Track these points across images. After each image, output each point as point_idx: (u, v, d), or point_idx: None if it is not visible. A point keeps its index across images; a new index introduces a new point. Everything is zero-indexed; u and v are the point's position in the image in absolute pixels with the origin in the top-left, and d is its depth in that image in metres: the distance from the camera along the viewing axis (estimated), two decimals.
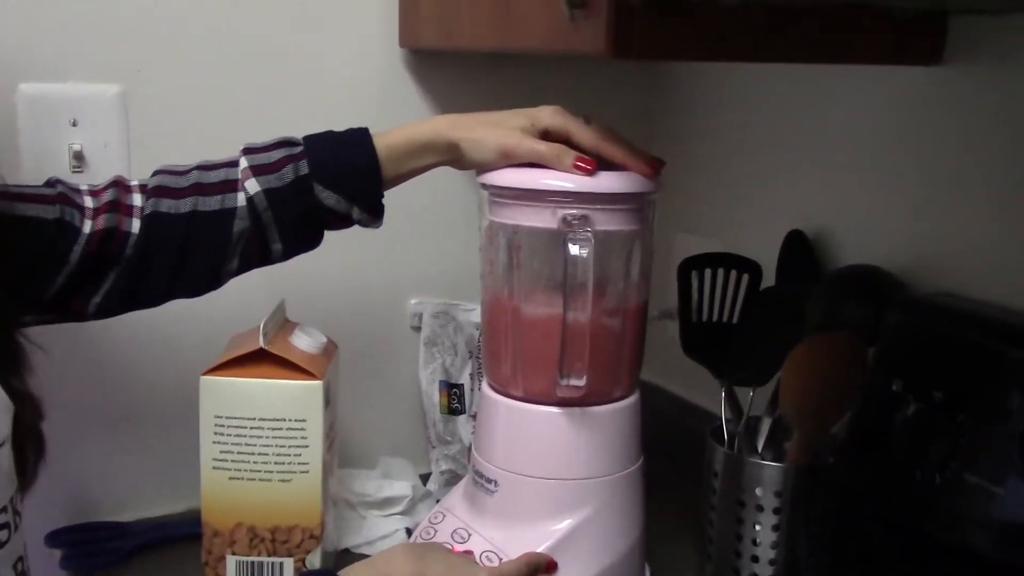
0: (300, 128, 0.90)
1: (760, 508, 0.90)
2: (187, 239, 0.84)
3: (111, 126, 1.03)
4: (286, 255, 0.89)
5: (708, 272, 1.02)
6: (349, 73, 1.14)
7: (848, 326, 0.91)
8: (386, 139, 0.87)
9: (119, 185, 0.85)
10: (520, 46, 0.90)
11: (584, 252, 0.78)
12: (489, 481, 0.86)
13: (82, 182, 0.86)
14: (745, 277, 1.02)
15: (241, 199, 0.85)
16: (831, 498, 0.89)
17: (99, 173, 1.00)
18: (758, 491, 0.90)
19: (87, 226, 0.82)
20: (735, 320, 1.02)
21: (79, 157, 1.02)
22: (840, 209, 1.04)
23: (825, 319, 0.93)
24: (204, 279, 0.87)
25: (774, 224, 1.06)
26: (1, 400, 0.72)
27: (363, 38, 1.13)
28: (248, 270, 0.89)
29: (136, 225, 0.84)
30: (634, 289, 0.86)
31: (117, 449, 1.09)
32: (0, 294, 0.76)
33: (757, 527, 0.91)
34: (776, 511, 0.90)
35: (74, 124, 1.02)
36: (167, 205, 0.84)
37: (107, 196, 0.84)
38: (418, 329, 1.21)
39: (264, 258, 0.89)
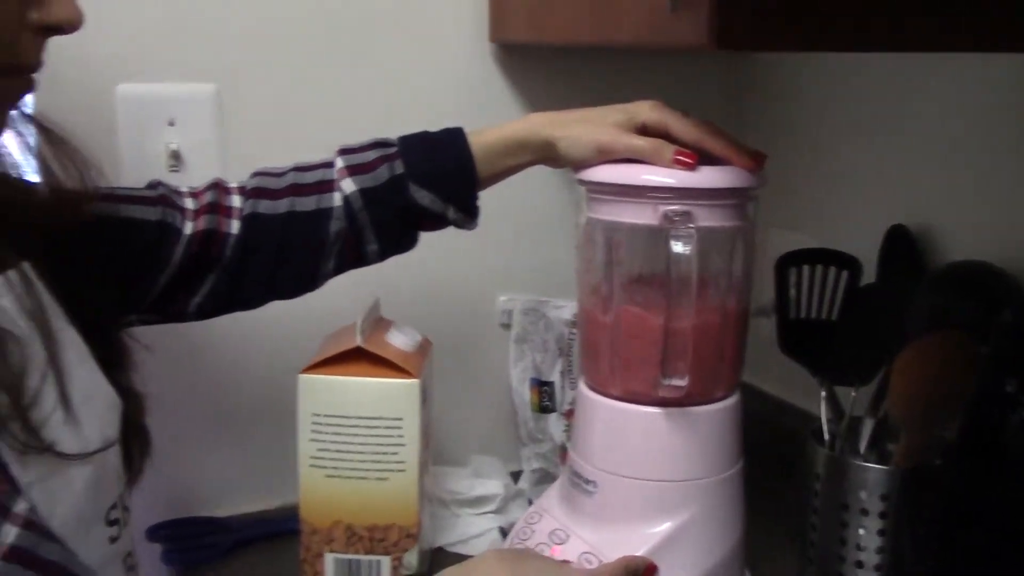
0: (390, 125, 0.90)
1: (865, 512, 0.88)
2: (285, 240, 0.85)
3: (207, 125, 1.04)
4: (381, 256, 0.89)
5: (806, 268, 0.99)
6: (439, 70, 1.13)
7: (956, 325, 0.87)
8: (481, 138, 0.87)
9: (218, 187, 0.86)
10: (616, 39, 0.88)
11: (687, 249, 0.76)
12: (587, 482, 0.85)
13: (182, 183, 0.88)
14: (844, 274, 0.99)
15: (337, 199, 0.85)
16: (939, 502, 0.87)
17: (195, 172, 1.02)
18: (862, 494, 0.87)
19: (188, 227, 0.83)
20: (834, 318, 0.99)
21: (176, 156, 1.03)
22: (945, 203, 1.00)
23: (931, 318, 0.90)
24: (301, 280, 0.88)
25: (874, 219, 1.03)
26: (110, 398, 0.73)
27: (453, 33, 1.13)
28: (343, 271, 0.89)
29: (236, 226, 0.84)
30: (736, 287, 0.84)
31: (216, 445, 1.11)
32: (106, 294, 0.77)
33: (861, 531, 0.88)
34: (882, 515, 0.87)
35: (171, 124, 1.03)
36: (265, 206, 0.85)
37: (207, 198, 0.85)
38: (508, 326, 1.20)
39: (359, 259, 0.89)
